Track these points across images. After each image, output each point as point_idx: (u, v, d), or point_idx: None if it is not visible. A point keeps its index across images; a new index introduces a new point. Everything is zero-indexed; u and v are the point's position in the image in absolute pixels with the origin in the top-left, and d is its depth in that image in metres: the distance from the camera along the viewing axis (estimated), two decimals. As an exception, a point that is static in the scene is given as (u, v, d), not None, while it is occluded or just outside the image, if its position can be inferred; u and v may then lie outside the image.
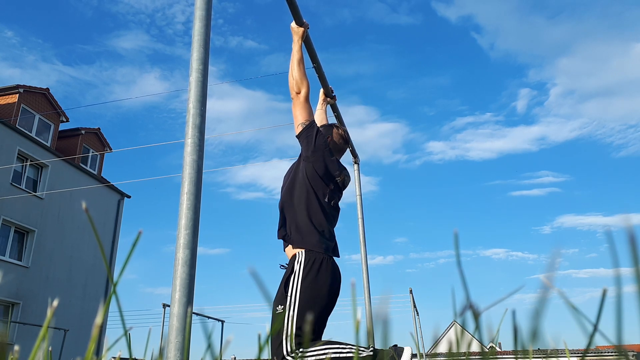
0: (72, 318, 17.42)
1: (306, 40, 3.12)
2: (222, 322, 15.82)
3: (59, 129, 19.26)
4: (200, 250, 1.44)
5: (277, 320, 2.10)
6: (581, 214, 43.90)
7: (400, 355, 2.00)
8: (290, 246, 2.28)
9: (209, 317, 15.07)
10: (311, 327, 2.08)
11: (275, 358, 2.04)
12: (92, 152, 20.29)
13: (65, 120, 19.07)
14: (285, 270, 2.26)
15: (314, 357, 1.99)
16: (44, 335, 0.63)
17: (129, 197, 21.95)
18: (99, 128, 20.77)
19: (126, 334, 0.70)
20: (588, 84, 42.82)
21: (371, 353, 1.99)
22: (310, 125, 2.45)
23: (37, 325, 15.01)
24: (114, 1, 33.76)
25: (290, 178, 2.44)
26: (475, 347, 0.73)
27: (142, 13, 35.85)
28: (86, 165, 20.06)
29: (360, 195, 4.83)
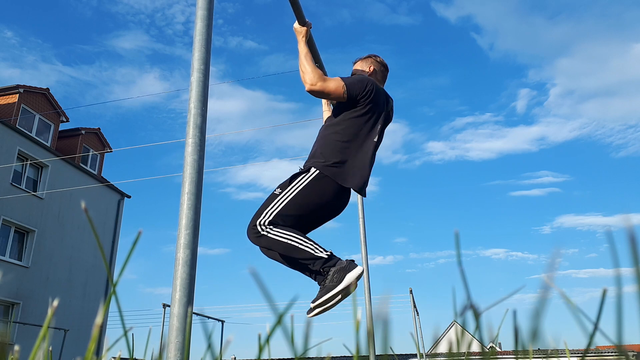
0: (72, 318, 17.42)
1: (308, 40, 3.12)
2: (222, 322, 15.83)
3: (59, 129, 19.27)
4: (200, 250, 1.44)
5: (270, 198, 2.27)
6: (581, 214, 43.88)
7: (350, 270, 2.09)
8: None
9: (209, 317, 15.07)
10: (293, 220, 2.22)
11: (250, 224, 2.23)
12: (92, 152, 20.30)
13: (65, 120, 19.08)
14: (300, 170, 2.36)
15: (276, 235, 2.15)
16: (44, 335, 0.63)
17: (129, 197, 21.96)
18: (99, 128, 20.78)
19: (126, 334, 0.70)
20: (587, 84, 42.82)
21: (326, 256, 2.10)
22: (348, 85, 2.38)
23: (37, 325, 15.01)
24: (114, 1, 33.76)
25: (335, 117, 2.45)
26: (475, 347, 0.73)
27: (141, 13, 35.83)
28: (86, 165, 20.07)
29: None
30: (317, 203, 2.28)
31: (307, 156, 2.46)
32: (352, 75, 2.71)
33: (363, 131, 2.40)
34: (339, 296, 2.08)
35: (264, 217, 2.20)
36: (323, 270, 2.12)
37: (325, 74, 3.93)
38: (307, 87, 2.38)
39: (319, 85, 2.36)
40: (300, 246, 2.12)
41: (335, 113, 2.47)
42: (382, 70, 2.74)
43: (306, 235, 2.20)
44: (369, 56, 2.76)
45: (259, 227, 2.18)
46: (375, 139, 2.45)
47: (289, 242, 2.13)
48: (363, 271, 2.13)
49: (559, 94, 41.70)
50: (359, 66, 2.74)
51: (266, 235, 2.16)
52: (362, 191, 2.40)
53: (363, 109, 2.41)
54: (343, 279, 2.07)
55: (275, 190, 2.31)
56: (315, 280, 2.20)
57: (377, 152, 2.54)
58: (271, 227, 2.17)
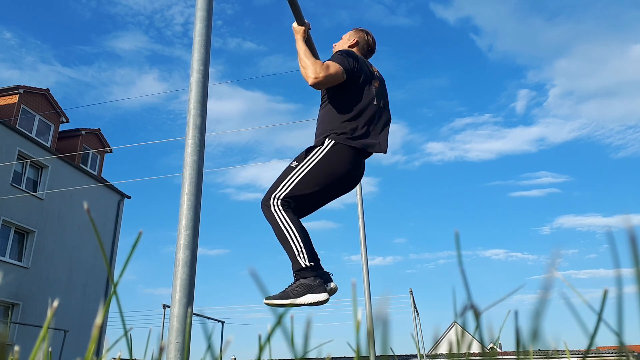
0: (72, 319, 17.41)
1: (307, 40, 3.12)
2: (222, 322, 15.82)
3: (59, 130, 19.26)
4: (200, 251, 1.44)
5: (286, 171, 2.27)
6: (581, 215, 43.88)
7: (314, 291, 2.05)
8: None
9: (209, 318, 15.06)
10: (306, 196, 2.23)
11: (265, 196, 2.23)
12: (92, 152, 20.29)
13: (65, 120, 19.07)
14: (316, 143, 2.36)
15: (279, 217, 2.16)
16: (44, 336, 0.63)
17: (129, 197, 21.95)
18: (99, 129, 20.77)
19: (126, 334, 0.70)
20: (587, 85, 42.84)
21: (304, 266, 2.08)
22: (345, 67, 2.38)
23: (37, 325, 15.00)
24: (113, 3, 33.77)
25: (330, 93, 2.45)
26: (475, 347, 0.72)
27: (140, 14, 35.86)
28: (86, 166, 20.06)
29: (361, 195, 4.83)
30: (335, 174, 2.27)
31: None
32: (333, 51, 2.68)
33: (361, 98, 2.41)
34: (289, 306, 2.05)
35: (279, 191, 2.21)
36: (295, 274, 2.11)
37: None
38: (312, 80, 2.29)
39: (322, 75, 2.28)
40: (290, 241, 2.12)
41: (328, 93, 2.47)
42: (365, 47, 2.73)
43: (305, 233, 2.18)
44: (362, 30, 2.76)
45: (271, 201, 2.19)
46: (375, 102, 2.45)
47: (284, 231, 2.13)
48: (326, 301, 2.10)
49: (558, 95, 41.73)
50: (347, 36, 2.75)
51: (271, 212, 2.18)
52: (381, 148, 2.42)
53: (353, 80, 2.41)
54: (302, 296, 2.05)
55: (291, 163, 2.29)
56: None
57: (389, 114, 2.57)
58: (281, 207, 2.18)
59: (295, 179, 2.22)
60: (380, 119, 2.47)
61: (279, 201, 2.19)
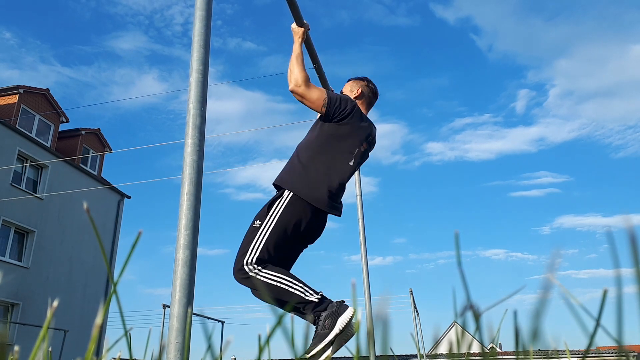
0: (72, 319, 17.40)
1: (307, 41, 3.12)
2: (222, 322, 15.82)
3: (59, 130, 19.26)
4: (199, 251, 1.44)
5: (251, 232, 2.18)
6: (580, 215, 43.90)
7: (341, 313, 2.01)
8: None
9: (209, 318, 15.06)
10: (276, 252, 2.15)
11: (235, 265, 2.13)
12: (93, 153, 20.29)
13: (65, 120, 19.07)
14: (274, 195, 2.30)
15: (265, 277, 2.05)
16: (44, 336, 0.63)
17: (129, 197, 21.95)
18: (99, 129, 20.77)
19: (126, 334, 0.70)
20: (586, 85, 42.84)
21: (316, 300, 2.02)
22: (330, 99, 2.37)
23: (37, 326, 15.00)
24: (112, 2, 33.75)
25: (313, 133, 2.42)
26: (475, 347, 0.73)
27: (140, 14, 35.83)
28: (86, 166, 20.06)
29: (361, 195, 4.83)
30: (297, 226, 2.20)
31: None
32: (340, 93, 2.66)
33: (339, 153, 2.35)
34: (335, 342, 1.98)
35: (250, 256, 2.11)
36: (314, 313, 2.03)
37: (323, 75, 3.94)
38: (291, 86, 2.37)
39: (301, 89, 2.35)
40: (289, 289, 2.03)
41: (314, 131, 2.44)
42: (370, 96, 2.68)
43: (295, 276, 2.11)
44: (361, 79, 2.71)
45: (246, 268, 2.09)
46: (351, 163, 2.38)
47: (279, 284, 2.04)
48: (355, 312, 2.08)
49: (558, 95, 41.72)
50: (348, 87, 2.69)
51: (255, 277, 2.07)
52: (338, 212, 2.36)
53: (341, 130, 2.36)
54: (335, 324, 1.99)
55: (254, 223, 2.22)
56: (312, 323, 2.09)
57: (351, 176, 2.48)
58: (259, 268, 2.09)
59: (262, 239, 2.14)
60: (347, 179, 2.42)
61: (254, 264, 2.10)
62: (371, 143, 2.57)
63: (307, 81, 2.37)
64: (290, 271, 2.28)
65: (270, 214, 2.21)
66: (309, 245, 2.39)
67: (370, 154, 2.64)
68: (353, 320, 2.01)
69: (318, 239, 2.39)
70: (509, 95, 43.70)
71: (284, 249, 2.20)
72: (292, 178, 2.29)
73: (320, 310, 2.02)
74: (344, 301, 2.09)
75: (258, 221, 2.21)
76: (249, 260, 2.10)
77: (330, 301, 2.06)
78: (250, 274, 2.08)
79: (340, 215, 2.40)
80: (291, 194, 2.24)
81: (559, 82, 42.33)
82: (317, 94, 2.36)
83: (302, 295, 2.03)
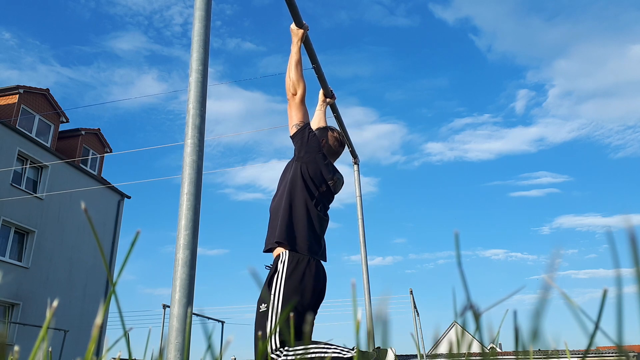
0: (72, 319, 17.40)
1: (306, 42, 3.12)
2: (222, 322, 15.82)
3: (59, 130, 19.26)
4: (199, 251, 1.44)
5: (260, 318, 2.09)
6: (580, 215, 43.93)
7: (383, 358, 1.97)
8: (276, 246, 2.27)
9: (209, 318, 15.06)
10: (295, 326, 2.06)
11: (259, 357, 2.03)
12: (93, 155, 20.28)
13: (65, 120, 19.06)
14: (269, 270, 2.26)
15: (299, 356, 1.97)
16: (43, 336, 0.63)
17: (128, 197, 21.95)
18: (99, 129, 20.76)
19: (126, 334, 0.70)
20: (586, 85, 42.90)
21: (354, 354, 1.97)
22: (304, 127, 2.44)
23: (37, 326, 15.00)
24: (112, 3, 33.77)
25: (284, 180, 2.44)
26: (475, 347, 0.72)
27: (140, 15, 35.87)
28: (86, 166, 20.06)
29: (360, 196, 4.83)
30: (304, 288, 2.13)
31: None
32: None
33: (310, 201, 2.33)
34: None
35: (271, 344, 2.01)
36: None
37: (322, 75, 3.92)
38: (289, 95, 2.48)
39: (294, 105, 2.46)
40: (326, 355, 1.97)
41: (285, 176, 2.44)
42: (335, 145, 2.65)
43: (321, 341, 2.04)
44: (326, 128, 2.71)
45: (274, 356, 2.00)
46: (319, 210, 2.36)
47: (314, 355, 1.98)
48: (394, 353, 1.98)
49: (557, 95, 41.74)
50: (318, 133, 2.66)
51: None
52: (325, 257, 2.35)
53: (308, 173, 2.36)
54: None
55: (259, 308, 2.12)
56: None
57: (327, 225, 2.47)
58: (286, 349, 1.99)
59: (275, 319, 2.06)
60: (323, 226, 2.41)
61: (280, 349, 2.00)
62: (336, 189, 2.53)
63: (303, 100, 2.49)
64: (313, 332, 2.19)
65: (272, 291, 2.13)
66: (323, 298, 2.30)
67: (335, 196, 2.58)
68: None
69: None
70: (508, 96, 43.73)
71: (300, 317, 2.09)
72: (282, 238, 2.23)
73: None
74: (379, 347, 2.03)
75: (264, 304, 2.12)
76: (273, 348, 2.01)
77: (367, 351, 2.01)
78: (280, 359, 2.00)
79: (326, 261, 2.38)
80: (287, 253, 2.19)
81: (558, 82, 42.37)
82: (301, 116, 2.47)
83: (340, 355, 1.98)
